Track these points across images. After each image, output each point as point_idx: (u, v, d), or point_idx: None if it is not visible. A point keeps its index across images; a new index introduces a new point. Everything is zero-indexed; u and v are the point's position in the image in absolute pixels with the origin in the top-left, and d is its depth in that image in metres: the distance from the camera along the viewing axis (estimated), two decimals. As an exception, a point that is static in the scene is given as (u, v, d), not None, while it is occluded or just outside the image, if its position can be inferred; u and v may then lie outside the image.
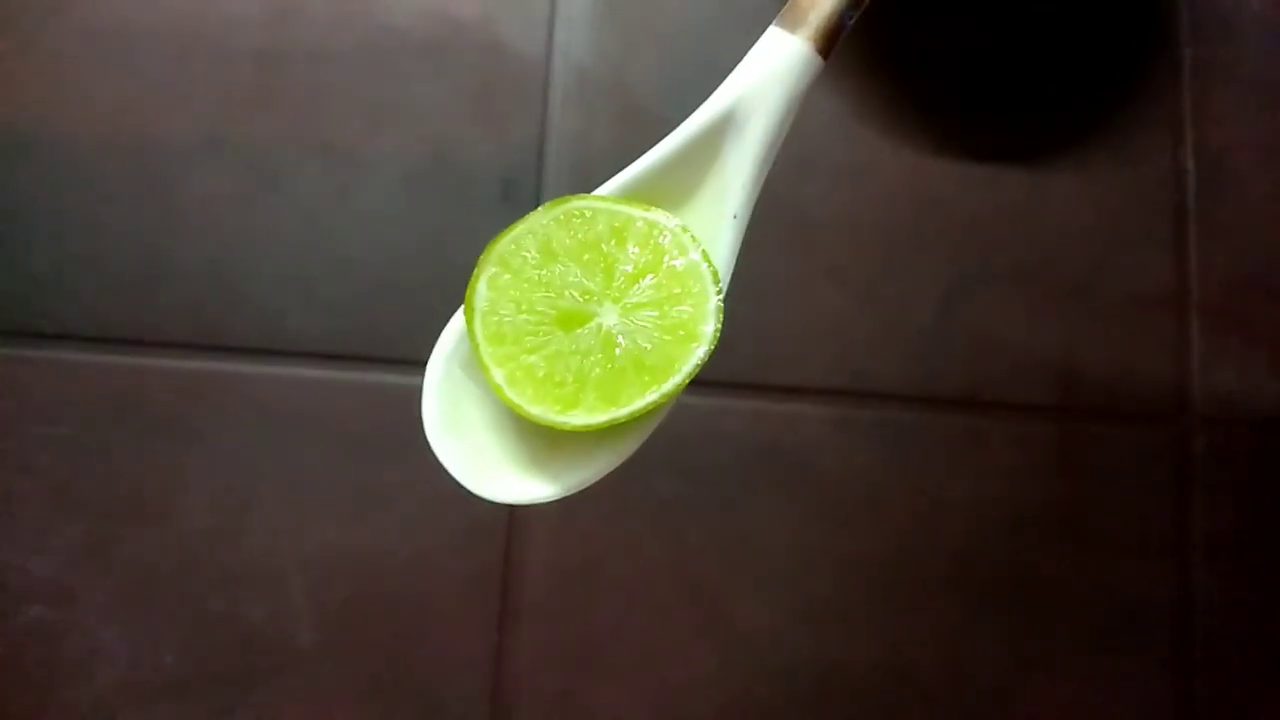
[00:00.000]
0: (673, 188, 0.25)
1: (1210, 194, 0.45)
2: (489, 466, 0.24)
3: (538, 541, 0.41)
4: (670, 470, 0.42)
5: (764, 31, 0.44)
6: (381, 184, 0.43)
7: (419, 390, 0.41)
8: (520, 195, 0.43)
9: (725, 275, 0.25)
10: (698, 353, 0.24)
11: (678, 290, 0.24)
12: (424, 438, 0.41)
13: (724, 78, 0.44)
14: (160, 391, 0.41)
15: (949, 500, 0.42)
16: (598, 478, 0.24)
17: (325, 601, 0.40)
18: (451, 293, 0.43)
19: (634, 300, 0.24)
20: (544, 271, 0.24)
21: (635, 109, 0.44)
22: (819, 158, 0.44)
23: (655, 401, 0.23)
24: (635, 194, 0.25)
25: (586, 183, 0.43)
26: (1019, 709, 0.42)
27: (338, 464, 0.41)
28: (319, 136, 0.43)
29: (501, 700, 0.40)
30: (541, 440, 0.24)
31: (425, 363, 0.42)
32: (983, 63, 0.46)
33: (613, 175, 0.42)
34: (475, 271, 0.24)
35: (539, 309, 0.24)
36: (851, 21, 0.25)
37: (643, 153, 0.43)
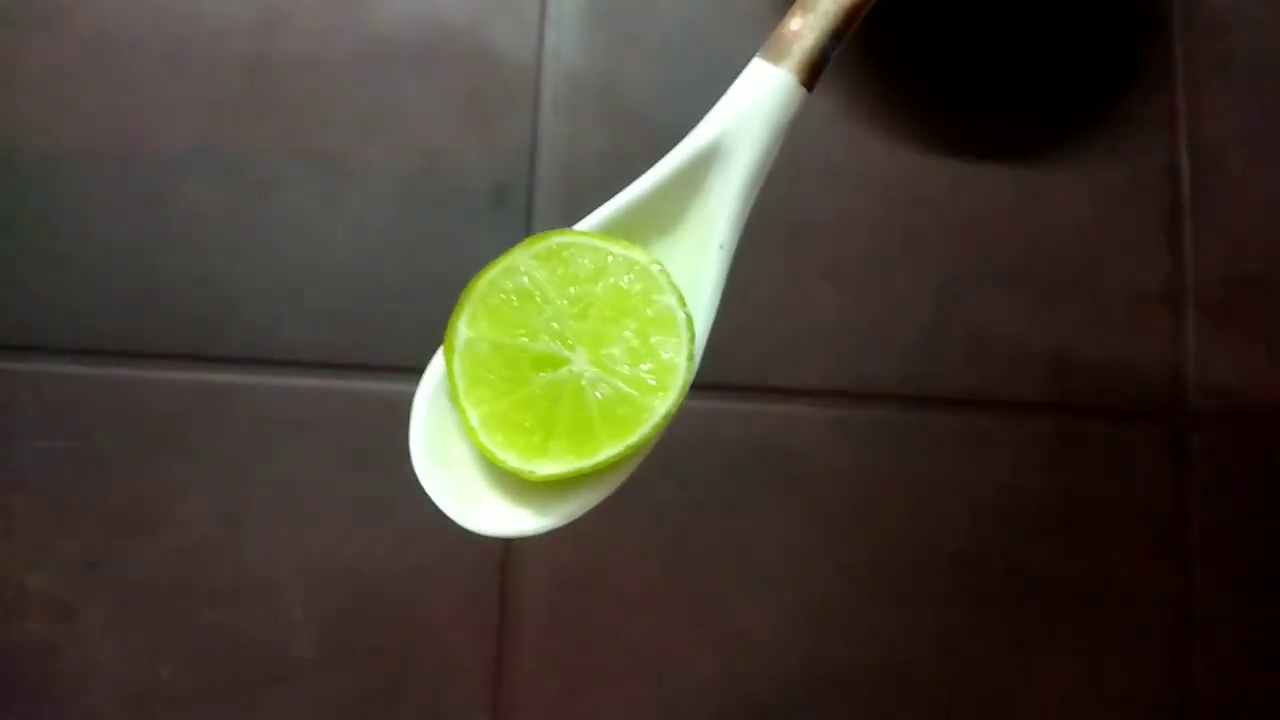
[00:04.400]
0: (659, 219, 0.25)
1: (1205, 189, 0.45)
2: (476, 499, 0.24)
3: (535, 549, 0.41)
4: (667, 474, 0.41)
5: (751, 36, 0.44)
6: (373, 191, 0.42)
7: (414, 399, 0.41)
8: (512, 201, 0.43)
9: (713, 305, 0.25)
10: (666, 403, 0.24)
11: (652, 338, 0.24)
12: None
13: (714, 81, 0.44)
14: (154, 403, 0.41)
15: (946, 500, 0.42)
16: (584, 510, 0.24)
17: (323, 612, 0.40)
18: (445, 300, 0.43)
19: (607, 349, 0.24)
20: (522, 312, 0.24)
21: (626, 113, 0.44)
22: (812, 158, 0.44)
23: (620, 454, 0.23)
24: (620, 226, 0.25)
25: (578, 188, 0.43)
26: (1018, 708, 0.42)
27: (334, 474, 0.41)
28: (310, 145, 0.42)
29: (501, 709, 0.40)
30: None
31: (421, 370, 0.42)
32: (976, 61, 0.46)
33: (603, 180, 0.42)
34: (455, 310, 0.24)
35: (515, 351, 0.24)
36: (835, 52, 0.25)
37: (634, 156, 0.43)
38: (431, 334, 0.42)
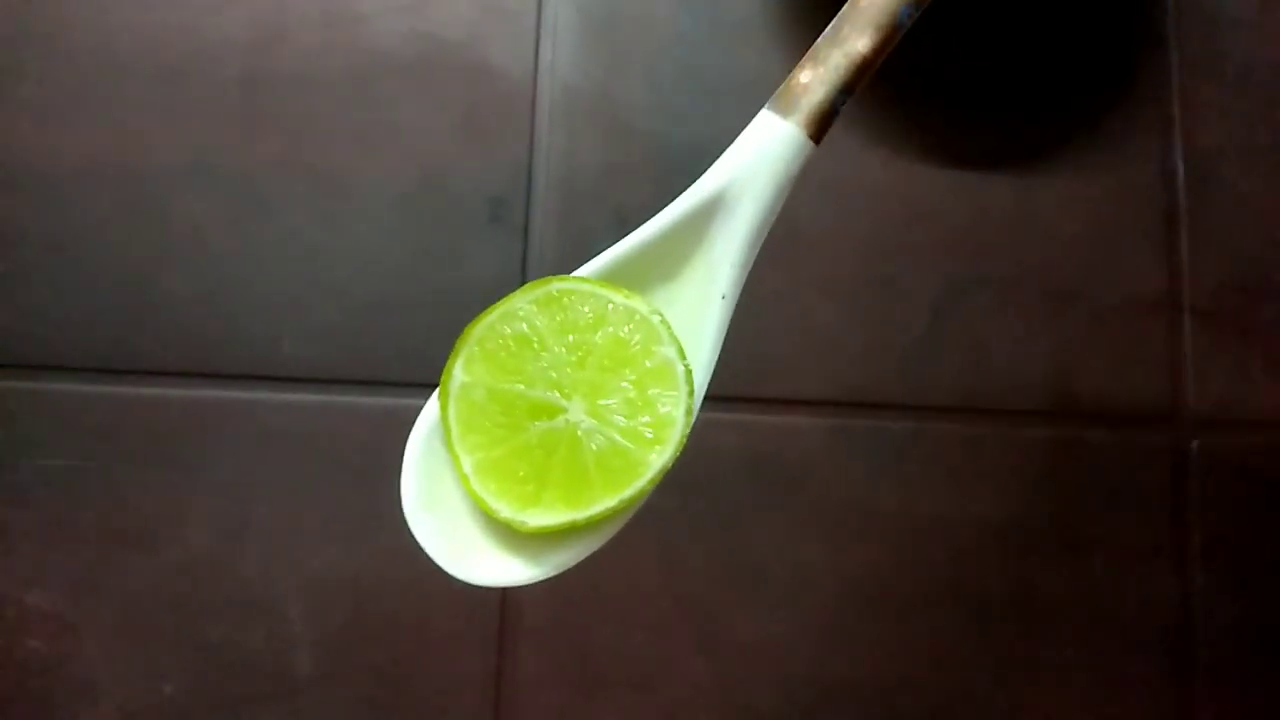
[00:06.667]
0: (661, 266, 0.25)
1: (1200, 196, 0.45)
2: (467, 547, 0.23)
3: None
4: (664, 485, 0.41)
5: (746, 49, 0.44)
6: (370, 206, 0.43)
7: (415, 411, 0.41)
8: (509, 215, 0.43)
9: (713, 356, 0.25)
10: (662, 458, 0.23)
11: (650, 390, 0.23)
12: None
13: (709, 95, 0.44)
14: (154, 420, 0.41)
15: (944, 509, 0.42)
16: (576, 561, 0.23)
17: (324, 626, 0.40)
18: (443, 314, 0.43)
19: (605, 400, 0.23)
20: (519, 358, 0.23)
21: (622, 126, 0.44)
22: (807, 169, 0.44)
23: (614, 507, 0.23)
24: (622, 272, 0.24)
25: (575, 202, 0.43)
26: (1019, 718, 0.42)
27: (334, 488, 0.41)
28: (307, 161, 0.43)
29: (502, 722, 0.40)
30: None
31: (419, 384, 0.42)
32: (971, 70, 0.46)
33: (600, 194, 0.43)
34: (452, 354, 0.23)
35: (511, 398, 0.23)
36: (843, 106, 0.25)
37: (630, 170, 0.43)
38: (429, 348, 0.42)
